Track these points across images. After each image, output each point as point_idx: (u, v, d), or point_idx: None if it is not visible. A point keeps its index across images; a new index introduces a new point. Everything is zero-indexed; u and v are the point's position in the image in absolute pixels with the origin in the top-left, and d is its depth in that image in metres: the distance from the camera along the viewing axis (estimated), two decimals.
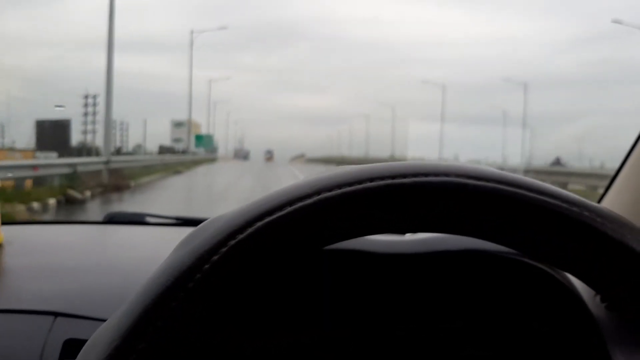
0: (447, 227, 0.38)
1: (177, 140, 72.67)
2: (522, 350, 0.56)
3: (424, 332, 0.56)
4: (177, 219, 1.22)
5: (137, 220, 1.23)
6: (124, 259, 0.84)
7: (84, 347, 0.38)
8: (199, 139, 66.89)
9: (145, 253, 0.89)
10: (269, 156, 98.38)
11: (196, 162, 36.89)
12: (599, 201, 0.85)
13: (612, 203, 0.81)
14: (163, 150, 78.00)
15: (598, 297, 0.56)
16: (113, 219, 1.22)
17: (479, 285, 0.56)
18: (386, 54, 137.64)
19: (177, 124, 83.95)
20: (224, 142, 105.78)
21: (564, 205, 0.36)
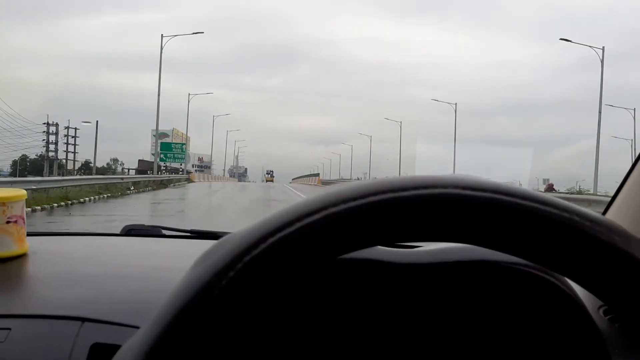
0: (449, 237, 0.40)
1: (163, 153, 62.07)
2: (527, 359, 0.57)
3: (432, 340, 0.57)
4: (191, 232, 1.26)
5: (154, 232, 1.26)
6: (144, 268, 0.88)
7: (116, 354, 0.42)
8: (166, 148, 55.25)
9: (163, 263, 0.92)
10: (269, 177, 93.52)
11: (147, 186, 28.11)
12: (603, 214, 0.84)
13: (615, 216, 0.83)
14: (143, 165, 67.58)
15: (602, 309, 0.58)
16: (131, 232, 1.25)
17: (487, 294, 0.57)
18: (387, 75, 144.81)
19: (160, 134, 72.65)
20: (219, 160, 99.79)
21: (555, 211, 0.37)
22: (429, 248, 0.60)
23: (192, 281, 0.39)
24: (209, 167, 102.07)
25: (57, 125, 55.09)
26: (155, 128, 70.57)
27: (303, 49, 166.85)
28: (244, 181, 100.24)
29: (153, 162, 66.01)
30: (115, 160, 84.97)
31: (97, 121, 48.26)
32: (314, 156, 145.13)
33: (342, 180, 56.43)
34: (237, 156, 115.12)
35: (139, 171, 60.68)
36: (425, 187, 0.37)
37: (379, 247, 0.57)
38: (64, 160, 55.94)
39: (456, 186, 0.37)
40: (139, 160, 64.98)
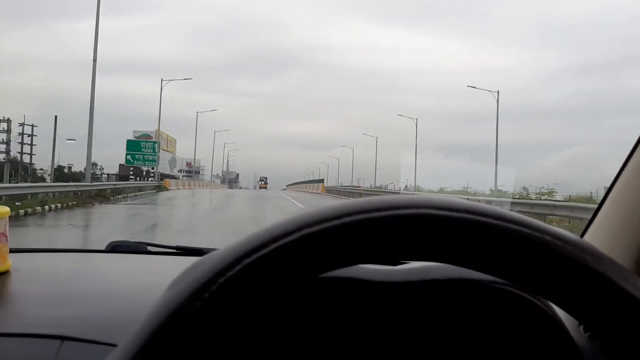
0: (423, 256, 0.41)
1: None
2: None
3: (410, 358, 0.57)
4: (177, 248, 1.26)
5: (139, 249, 1.26)
6: (127, 286, 0.87)
7: None
8: (134, 148, 43.98)
9: (146, 280, 0.91)
10: (263, 183, 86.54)
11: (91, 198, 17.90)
12: (582, 235, 0.87)
13: (593, 237, 0.83)
14: (125, 170, 59.01)
15: (582, 326, 0.58)
16: (115, 248, 1.25)
17: (466, 313, 0.57)
18: (380, 82, 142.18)
19: (142, 136, 62.87)
20: (210, 165, 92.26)
21: (527, 230, 0.38)
22: (407, 267, 0.60)
23: (167, 302, 0.39)
24: (198, 173, 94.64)
25: (9, 121, 45.57)
26: (136, 130, 61.82)
27: (297, 54, 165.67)
28: (235, 187, 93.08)
29: (134, 167, 57.23)
30: (94, 165, 75.94)
31: (55, 116, 40.34)
32: (307, 162, 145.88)
33: (355, 188, 47.09)
34: (228, 161, 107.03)
35: (119, 176, 51.68)
36: (398, 207, 0.38)
37: (358, 265, 0.56)
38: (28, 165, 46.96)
39: (428, 206, 0.38)
40: (120, 164, 56.94)
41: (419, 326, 0.57)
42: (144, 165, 46.88)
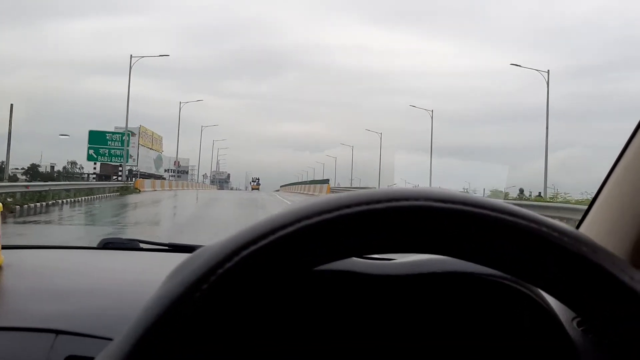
0: (421, 248, 0.41)
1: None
2: None
3: (406, 350, 0.58)
4: (169, 245, 1.24)
5: (131, 246, 1.26)
6: (120, 281, 0.87)
7: None
8: (98, 141, 36.30)
9: (139, 277, 0.90)
10: (255, 185, 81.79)
11: None
12: (577, 227, 0.88)
13: (588, 229, 0.84)
14: (107, 169, 52.99)
15: (576, 321, 0.59)
16: (108, 245, 1.25)
17: (462, 306, 0.58)
18: (373, 83, 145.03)
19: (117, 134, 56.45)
20: (201, 166, 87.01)
21: (523, 222, 0.38)
22: (403, 260, 0.60)
23: (166, 293, 0.39)
24: (187, 173, 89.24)
25: None
26: (119, 126, 55.36)
27: (290, 56, 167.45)
28: (226, 188, 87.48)
29: (118, 166, 50.55)
30: (73, 164, 69.22)
31: (11, 104, 34.50)
32: (300, 163, 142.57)
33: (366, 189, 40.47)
34: (218, 161, 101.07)
35: (100, 177, 45.18)
36: (397, 199, 0.38)
37: (355, 259, 0.58)
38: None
39: (427, 198, 0.38)
40: (102, 163, 50.84)
41: (415, 319, 0.58)
42: (110, 161, 39.22)
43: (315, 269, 0.41)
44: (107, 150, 36.42)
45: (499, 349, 0.57)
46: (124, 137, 36.09)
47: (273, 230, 0.38)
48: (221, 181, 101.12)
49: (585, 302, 0.40)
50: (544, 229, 0.38)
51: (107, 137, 36.95)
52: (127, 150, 35.86)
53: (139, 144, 55.31)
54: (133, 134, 52.64)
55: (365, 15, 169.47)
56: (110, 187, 27.43)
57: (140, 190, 31.06)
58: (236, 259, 0.38)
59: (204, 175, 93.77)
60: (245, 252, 0.38)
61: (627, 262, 0.39)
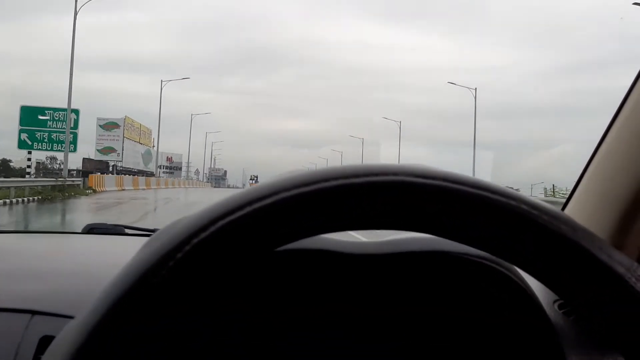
0: (400, 224, 0.40)
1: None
2: (479, 353, 0.57)
3: (384, 331, 0.57)
4: (154, 231, 1.22)
5: (115, 231, 1.25)
6: (102, 264, 0.86)
7: (50, 345, 0.39)
8: (32, 122, 26.14)
9: (122, 260, 0.97)
10: (254, 182, 76.43)
11: None
12: (562, 209, 0.90)
13: (573, 211, 0.86)
14: (90, 165, 47.73)
15: (557, 303, 0.59)
16: (92, 230, 1.25)
17: (439, 286, 0.57)
18: (371, 79, 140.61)
19: (107, 124, 50.37)
20: (196, 161, 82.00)
21: (503, 199, 0.38)
22: (382, 239, 0.59)
23: (137, 264, 0.38)
24: (180, 169, 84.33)
25: None
26: (101, 117, 49.77)
27: (287, 52, 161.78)
28: (223, 186, 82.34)
29: (101, 162, 45.18)
30: (52, 159, 63.62)
31: None
32: (298, 160, 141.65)
33: None
34: (212, 156, 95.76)
35: (83, 172, 39.57)
36: (377, 174, 0.38)
37: (333, 237, 0.57)
38: None
39: (407, 173, 0.38)
40: (84, 159, 45.44)
41: (391, 299, 0.57)
42: (50, 149, 27.42)
43: (286, 247, 0.40)
44: (47, 135, 25.87)
45: (477, 330, 0.56)
46: (66, 116, 24.86)
47: (250, 202, 0.37)
48: (217, 178, 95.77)
49: (565, 282, 0.40)
50: (524, 206, 0.38)
51: (47, 116, 25.91)
52: (75, 135, 25.84)
53: (123, 137, 49.67)
54: (116, 125, 47.27)
55: (364, 10, 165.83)
56: (32, 188, 19.47)
57: (96, 191, 24.41)
58: (212, 228, 0.37)
59: (196, 171, 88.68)
60: (221, 222, 0.37)
61: (606, 241, 0.39)
